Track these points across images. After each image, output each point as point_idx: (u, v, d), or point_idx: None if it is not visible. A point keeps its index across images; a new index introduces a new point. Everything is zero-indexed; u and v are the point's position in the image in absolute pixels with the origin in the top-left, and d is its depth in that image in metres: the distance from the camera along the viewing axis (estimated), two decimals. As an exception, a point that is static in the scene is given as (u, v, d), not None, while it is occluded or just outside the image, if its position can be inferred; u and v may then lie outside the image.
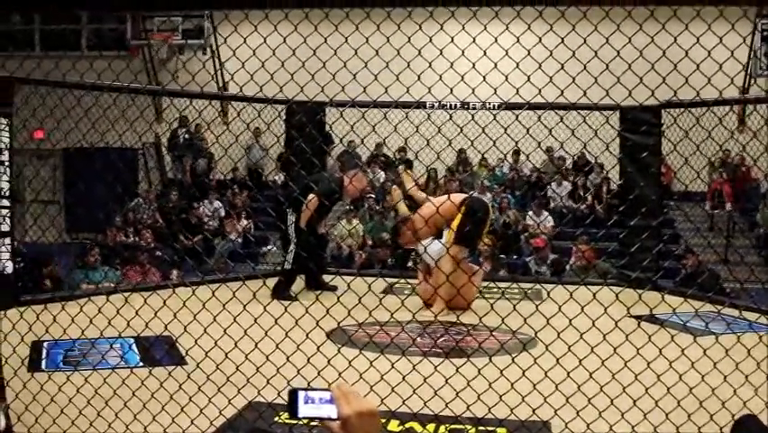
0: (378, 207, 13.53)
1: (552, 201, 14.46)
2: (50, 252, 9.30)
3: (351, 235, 12.68)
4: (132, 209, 13.74)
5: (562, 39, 3.24)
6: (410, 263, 10.90)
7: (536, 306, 3.74)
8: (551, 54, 3.35)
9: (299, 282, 7.82)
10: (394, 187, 7.94)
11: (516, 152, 14.45)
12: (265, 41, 3.50)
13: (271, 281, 7.54)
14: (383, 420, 3.64)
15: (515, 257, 12.72)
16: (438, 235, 7.37)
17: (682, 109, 7.44)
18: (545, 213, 13.54)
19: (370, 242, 12.77)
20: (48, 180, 14.91)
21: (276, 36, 3.58)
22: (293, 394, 1.71)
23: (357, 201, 13.01)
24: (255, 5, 3.06)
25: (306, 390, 1.70)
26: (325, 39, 3.39)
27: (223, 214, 14.24)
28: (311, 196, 7.42)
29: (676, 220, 13.89)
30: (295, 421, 1.62)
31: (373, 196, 13.75)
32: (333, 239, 12.46)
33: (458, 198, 7.13)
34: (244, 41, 3.43)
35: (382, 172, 14.96)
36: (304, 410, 1.70)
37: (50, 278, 8.90)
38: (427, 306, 6.95)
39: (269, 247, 13.16)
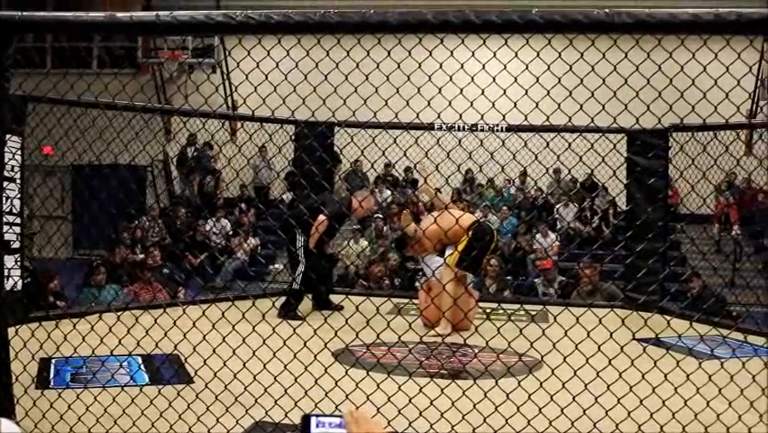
0: (385, 229, 13.51)
1: (558, 223, 14.48)
2: (55, 268, 9.28)
3: (358, 256, 12.65)
4: (140, 227, 13.77)
5: (570, 66, 3.29)
6: (417, 284, 10.91)
7: (543, 330, 3.76)
8: (559, 81, 3.40)
9: (306, 302, 7.84)
10: (405, 211, 7.93)
11: (524, 174, 14.51)
12: (277, 66, 3.55)
13: (279, 301, 7.57)
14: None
15: (521, 278, 12.73)
16: (441, 252, 7.38)
17: (690, 135, 7.47)
18: (552, 235, 13.56)
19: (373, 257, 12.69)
20: (49, 196, 14.89)
21: (287, 59, 3.63)
22: (305, 419, 1.76)
23: (365, 221, 13.04)
24: (268, 31, 3.11)
25: (317, 415, 1.75)
26: (337, 64, 3.44)
27: (230, 231, 14.28)
28: (321, 217, 7.42)
29: (682, 243, 13.88)
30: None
31: (381, 216, 13.76)
32: (341, 258, 12.45)
33: (468, 220, 7.09)
34: (257, 66, 3.48)
35: (388, 192, 15.01)
36: None
37: (54, 294, 8.87)
38: (428, 323, 6.99)
39: (276, 266, 13.18)
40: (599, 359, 3.73)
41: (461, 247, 6.92)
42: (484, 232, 7.10)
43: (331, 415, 1.75)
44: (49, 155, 11.02)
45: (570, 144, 3.75)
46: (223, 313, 4.01)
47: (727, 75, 3.29)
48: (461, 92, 3.44)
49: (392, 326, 3.90)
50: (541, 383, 3.81)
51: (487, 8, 3.09)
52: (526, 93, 3.46)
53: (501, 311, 7.06)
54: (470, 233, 6.93)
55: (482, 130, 8.08)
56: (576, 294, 9.78)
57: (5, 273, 4.22)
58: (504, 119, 3.80)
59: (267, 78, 3.55)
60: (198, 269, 12.57)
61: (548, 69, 3.42)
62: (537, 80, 3.47)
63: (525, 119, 3.66)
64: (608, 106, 3.33)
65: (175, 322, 4.17)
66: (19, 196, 6.62)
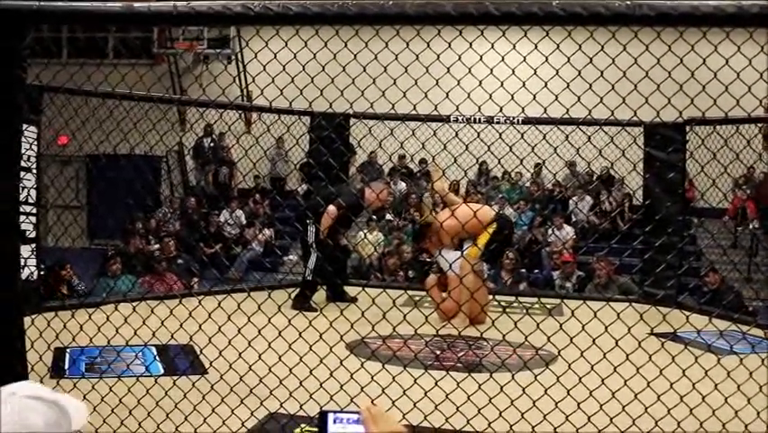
0: (397, 221, 13.44)
1: (573, 216, 14.40)
2: (69, 257, 9.25)
3: (375, 249, 12.58)
4: (155, 217, 13.78)
5: (591, 59, 3.25)
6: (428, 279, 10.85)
7: (560, 324, 3.74)
8: (579, 73, 3.36)
9: (321, 294, 7.83)
10: (425, 202, 7.94)
11: (538, 166, 14.45)
12: (295, 57, 3.53)
13: (294, 292, 7.56)
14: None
15: (536, 271, 12.67)
16: (458, 247, 7.35)
17: (710, 130, 7.40)
18: (567, 227, 13.47)
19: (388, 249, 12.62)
20: (67, 186, 14.90)
21: (304, 50, 3.61)
22: (323, 415, 1.75)
23: (379, 212, 12.99)
24: (287, 22, 3.09)
25: (335, 411, 1.75)
26: (355, 56, 3.42)
27: (244, 222, 14.27)
28: (331, 208, 7.40)
29: (699, 237, 13.77)
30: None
31: (396, 211, 13.68)
32: (354, 249, 12.39)
33: (488, 214, 7.06)
34: (275, 57, 3.46)
35: (403, 183, 14.97)
36: (333, 429, 1.74)
37: (67, 283, 8.83)
38: (445, 318, 6.95)
39: (290, 257, 13.17)
40: (617, 354, 3.70)
41: (484, 240, 6.91)
42: (505, 224, 7.13)
43: (348, 411, 1.75)
44: (64, 144, 11.03)
45: (589, 138, 3.72)
46: (239, 304, 4.01)
47: (749, 68, 3.25)
48: (479, 84, 3.41)
49: (408, 318, 3.88)
50: (557, 378, 3.79)
51: (507, -1, 3.06)
52: (546, 85, 3.43)
53: (517, 304, 7.04)
54: (495, 225, 6.93)
55: (499, 122, 8.04)
56: (592, 287, 9.73)
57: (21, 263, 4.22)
58: (523, 111, 3.76)
59: (284, 69, 3.53)
60: (213, 259, 12.58)
61: (568, 61, 3.39)
62: (557, 72, 3.44)
63: (545, 112, 3.63)
64: (627, 99, 3.29)
65: (190, 313, 4.17)
66: (35, 186, 6.63)
